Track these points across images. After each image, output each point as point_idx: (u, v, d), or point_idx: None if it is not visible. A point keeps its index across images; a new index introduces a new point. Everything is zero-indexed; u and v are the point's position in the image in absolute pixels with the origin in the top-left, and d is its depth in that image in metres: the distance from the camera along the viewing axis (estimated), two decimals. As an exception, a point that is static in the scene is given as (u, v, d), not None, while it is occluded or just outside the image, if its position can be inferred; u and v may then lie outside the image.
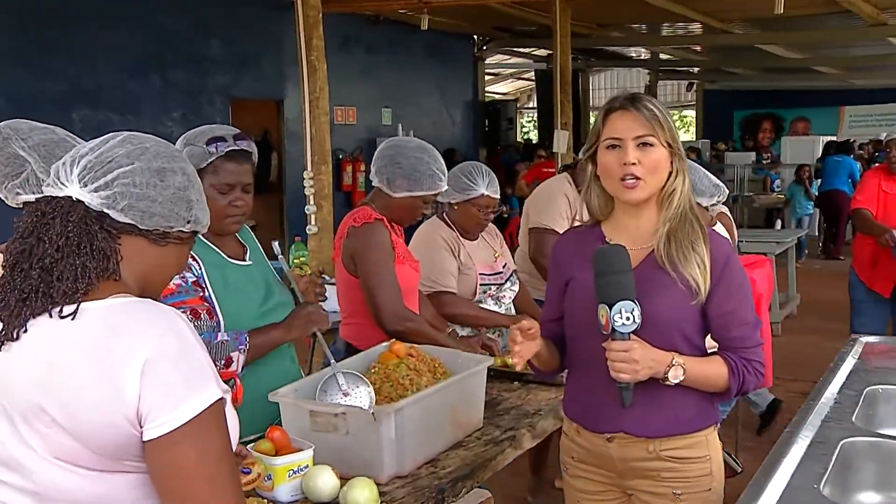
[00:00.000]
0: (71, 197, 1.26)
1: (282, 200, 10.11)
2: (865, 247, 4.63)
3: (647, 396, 1.83)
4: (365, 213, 2.75)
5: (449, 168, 2.89)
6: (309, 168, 5.02)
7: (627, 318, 1.74)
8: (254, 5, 9.12)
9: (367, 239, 2.69)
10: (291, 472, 1.86)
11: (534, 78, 17.21)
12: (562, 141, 7.99)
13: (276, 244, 2.41)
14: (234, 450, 1.29)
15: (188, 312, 2.02)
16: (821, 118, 18.06)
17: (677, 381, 1.81)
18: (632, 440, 1.91)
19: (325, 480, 1.84)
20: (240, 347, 2.05)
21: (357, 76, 10.67)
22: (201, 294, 2.07)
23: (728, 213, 3.92)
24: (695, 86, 19.12)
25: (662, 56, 16.21)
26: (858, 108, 17.52)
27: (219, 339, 2.04)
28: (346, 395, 2.11)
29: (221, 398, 1.24)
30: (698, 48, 14.79)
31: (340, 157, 10.44)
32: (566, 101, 8.20)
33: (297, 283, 2.35)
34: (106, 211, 1.26)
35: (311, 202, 5.03)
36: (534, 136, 20.02)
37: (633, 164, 1.82)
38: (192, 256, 2.07)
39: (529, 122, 23.94)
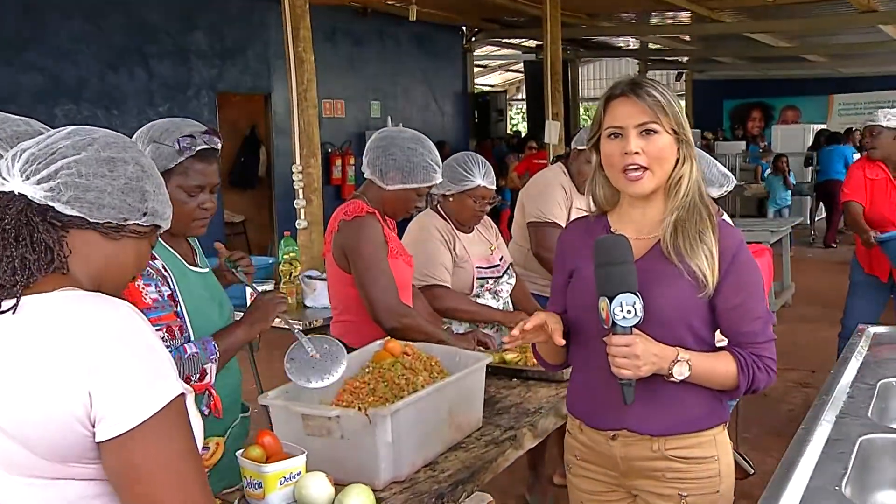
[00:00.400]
0: (14, 191, 1.20)
1: (271, 196, 10.03)
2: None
3: (650, 393, 1.75)
4: (356, 206, 2.65)
5: (440, 161, 2.80)
6: (298, 162, 4.94)
7: (629, 312, 1.65)
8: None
9: (359, 233, 2.60)
10: (283, 479, 1.78)
11: (522, 70, 17.14)
12: (553, 132, 7.93)
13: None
14: (198, 450, 1.21)
15: (164, 329, 1.90)
16: (810, 106, 18.11)
17: (682, 377, 1.73)
18: (635, 438, 1.83)
19: (319, 487, 1.76)
20: (211, 357, 1.94)
21: (345, 69, 10.58)
22: (175, 309, 1.95)
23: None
24: (684, 75, 19.09)
25: (651, 46, 16.18)
26: (847, 96, 17.54)
27: (188, 352, 1.92)
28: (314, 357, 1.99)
29: (182, 394, 1.16)
30: (687, 37, 14.75)
31: (329, 150, 10.36)
32: (557, 92, 8.15)
33: (229, 273, 2.27)
34: (51, 204, 1.20)
35: (301, 196, 4.95)
36: (522, 127, 19.95)
37: (636, 153, 1.74)
38: (166, 268, 1.96)
39: (518, 114, 23.89)
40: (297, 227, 4.97)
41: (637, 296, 1.66)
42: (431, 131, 11.36)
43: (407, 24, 9.03)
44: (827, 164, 12.01)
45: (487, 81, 20.24)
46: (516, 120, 23.92)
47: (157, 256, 1.96)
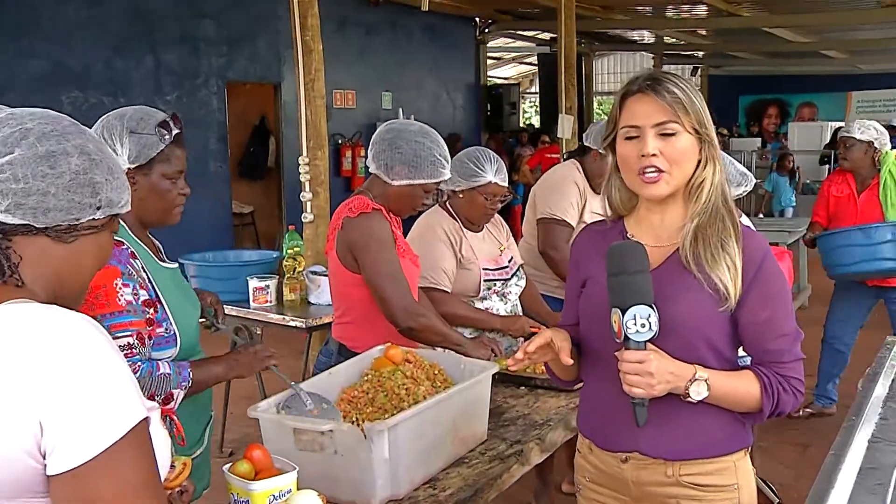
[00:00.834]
0: None
1: (280, 187, 9.92)
2: None
3: (665, 413, 1.63)
4: (361, 202, 2.52)
5: (451, 155, 2.67)
6: (304, 153, 4.81)
7: (643, 325, 1.53)
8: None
9: (366, 230, 2.48)
10: (272, 497, 1.66)
11: (535, 62, 16.96)
12: (567, 126, 7.79)
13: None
14: (161, 476, 1.09)
15: (133, 336, 1.79)
16: (828, 103, 17.88)
17: (700, 398, 1.60)
18: (648, 462, 1.70)
19: (311, 507, 1.64)
20: (182, 384, 1.85)
21: (356, 59, 10.45)
22: (150, 315, 1.85)
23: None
24: (699, 71, 18.87)
25: (667, 40, 15.97)
26: (866, 94, 17.34)
27: (161, 370, 1.82)
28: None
29: (145, 418, 1.04)
30: (703, 32, 14.54)
31: (340, 142, 10.26)
32: (571, 85, 8.00)
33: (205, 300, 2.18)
34: None
35: (307, 189, 4.82)
36: (535, 121, 19.78)
37: (654, 155, 1.61)
38: (145, 269, 1.87)
39: (531, 107, 23.71)
40: (303, 220, 4.85)
41: (652, 308, 1.53)
42: (443, 123, 11.36)
43: (419, 14, 8.88)
44: None
45: (500, 74, 20.07)
46: (529, 113, 23.75)
47: (136, 255, 1.86)
